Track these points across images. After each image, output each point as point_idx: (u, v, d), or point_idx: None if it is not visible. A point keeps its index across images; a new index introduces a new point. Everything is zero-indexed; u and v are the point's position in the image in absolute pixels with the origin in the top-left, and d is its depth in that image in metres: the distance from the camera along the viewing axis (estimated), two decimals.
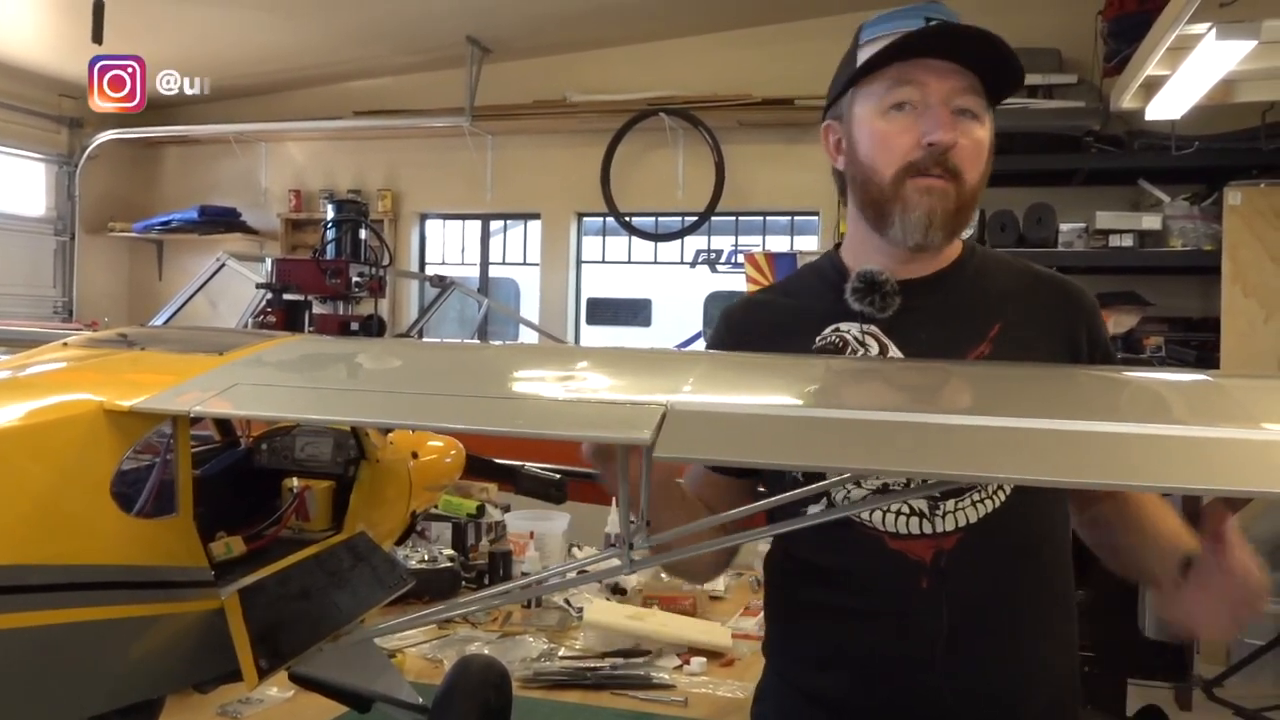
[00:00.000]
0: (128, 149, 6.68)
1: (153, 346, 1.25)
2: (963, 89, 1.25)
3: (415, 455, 1.68)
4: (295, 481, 1.41)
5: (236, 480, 1.44)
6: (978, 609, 1.25)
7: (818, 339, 1.33)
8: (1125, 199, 4.85)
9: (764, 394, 1.07)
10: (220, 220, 6.43)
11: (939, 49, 1.24)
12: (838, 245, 1.44)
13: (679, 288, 6.05)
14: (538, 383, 1.09)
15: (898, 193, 1.26)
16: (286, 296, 3.84)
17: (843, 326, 1.32)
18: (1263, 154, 4.28)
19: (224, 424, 1.50)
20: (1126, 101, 3.85)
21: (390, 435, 1.60)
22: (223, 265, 4.60)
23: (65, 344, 1.25)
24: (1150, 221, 4.45)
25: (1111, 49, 4.32)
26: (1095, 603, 3.01)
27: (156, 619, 1.06)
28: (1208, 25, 2.83)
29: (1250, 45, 2.88)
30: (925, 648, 1.24)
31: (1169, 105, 3.68)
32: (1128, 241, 4.46)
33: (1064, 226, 4.52)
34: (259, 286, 3.98)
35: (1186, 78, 3.32)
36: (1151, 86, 3.66)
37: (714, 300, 5.90)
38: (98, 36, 4.21)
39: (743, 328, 1.41)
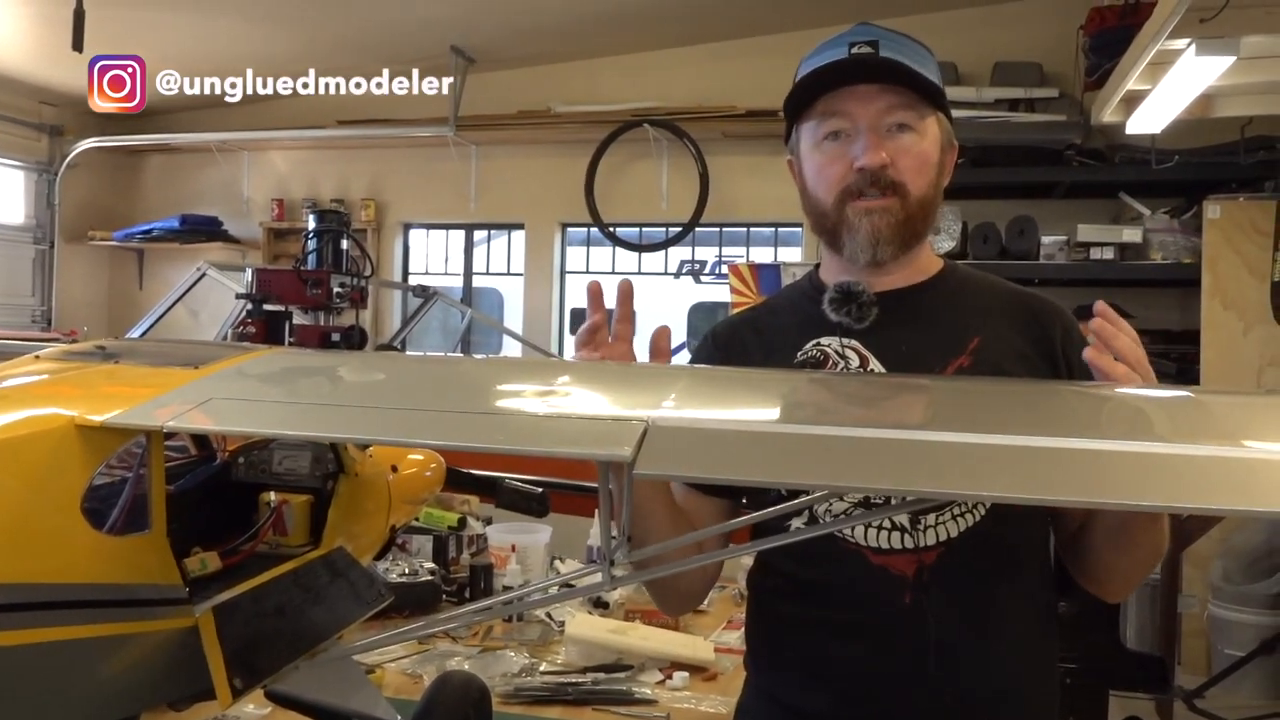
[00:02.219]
0: (108, 157, 6.64)
1: (127, 359, 1.23)
2: (891, 106, 1.29)
3: (395, 469, 1.66)
4: (273, 496, 1.39)
5: (213, 494, 1.42)
6: (960, 622, 1.25)
7: (799, 353, 1.34)
8: (1106, 212, 4.88)
9: (746, 410, 1.06)
10: (202, 229, 6.40)
11: (853, 78, 1.28)
12: (818, 265, 1.45)
13: (663, 298, 6.05)
14: (518, 398, 1.08)
15: (842, 217, 1.32)
16: (267, 307, 3.82)
17: (823, 340, 1.34)
18: (1241, 168, 4.32)
19: (200, 438, 1.48)
20: (1107, 115, 3.88)
21: (369, 449, 1.58)
22: (203, 275, 4.57)
23: (37, 357, 1.23)
24: (1131, 234, 4.49)
25: (1093, 63, 4.36)
26: (1077, 615, 3.03)
27: (128, 638, 1.05)
28: (1187, 41, 2.86)
29: (1229, 61, 2.91)
30: (909, 662, 1.24)
31: (1149, 119, 3.71)
32: (1108, 254, 4.49)
33: (1045, 239, 4.54)
34: (239, 297, 3.95)
35: (1166, 92, 3.35)
36: (1132, 101, 3.69)
37: (698, 311, 5.90)
38: (78, 44, 4.18)
39: (728, 346, 1.43)
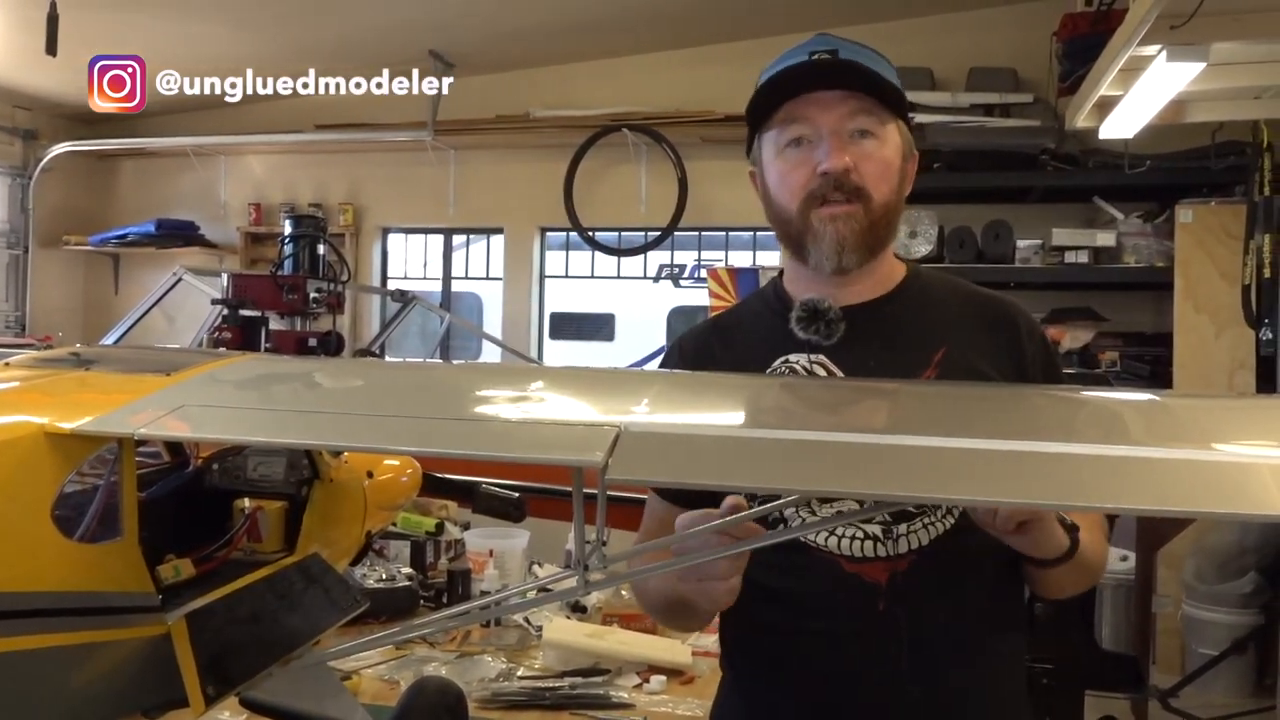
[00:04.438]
0: (83, 161, 6.58)
1: (99, 366, 1.22)
2: (853, 112, 1.29)
3: (370, 474, 1.66)
4: (247, 502, 1.38)
5: (186, 501, 1.41)
6: (932, 628, 1.26)
7: (767, 370, 1.34)
8: (1080, 216, 4.93)
9: (718, 415, 1.07)
10: (178, 234, 6.35)
11: (814, 84, 1.29)
12: (781, 273, 1.45)
13: (642, 302, 6.06)
14: (493, 404, 1.09)
15: (806, 224, 1.31)
16: (243, 313, 3.80)
17: (791, 357, 1.33)
18: (1212, 173, 4.37)
19: (173, 444, 1.48)
20: (1081, 120, 3.92)
21: (345, 454, 1.58)
22: (179, 280, 4.54)
23: (7, 364, 1.22)
24: (1105, 238, 4.53)
25: (1066, 69, 4.39)
26: (1053, 616, 3.05)
27: (100, 646, 1.04)
28: (1158, 47, 2.88)
29: (1199, 67, 2.94)
30: (882, 668, 1.25)
31: (1122, 125, 3.74)
32: (1083, 258, 4.54)
33: (1021, 243, 4.58)
34: (215, 302, 3.93)
35: (1138, 98, 3.38)
36: (1105, 106, 3.71)
37: (677, 315, 5.91)
38: (51, 48, 4.15)
39: (695, 357, 1.42)
